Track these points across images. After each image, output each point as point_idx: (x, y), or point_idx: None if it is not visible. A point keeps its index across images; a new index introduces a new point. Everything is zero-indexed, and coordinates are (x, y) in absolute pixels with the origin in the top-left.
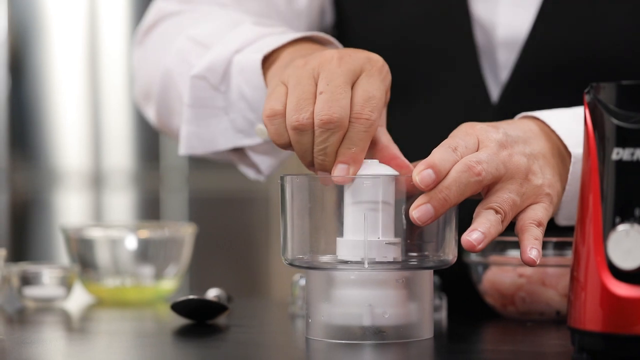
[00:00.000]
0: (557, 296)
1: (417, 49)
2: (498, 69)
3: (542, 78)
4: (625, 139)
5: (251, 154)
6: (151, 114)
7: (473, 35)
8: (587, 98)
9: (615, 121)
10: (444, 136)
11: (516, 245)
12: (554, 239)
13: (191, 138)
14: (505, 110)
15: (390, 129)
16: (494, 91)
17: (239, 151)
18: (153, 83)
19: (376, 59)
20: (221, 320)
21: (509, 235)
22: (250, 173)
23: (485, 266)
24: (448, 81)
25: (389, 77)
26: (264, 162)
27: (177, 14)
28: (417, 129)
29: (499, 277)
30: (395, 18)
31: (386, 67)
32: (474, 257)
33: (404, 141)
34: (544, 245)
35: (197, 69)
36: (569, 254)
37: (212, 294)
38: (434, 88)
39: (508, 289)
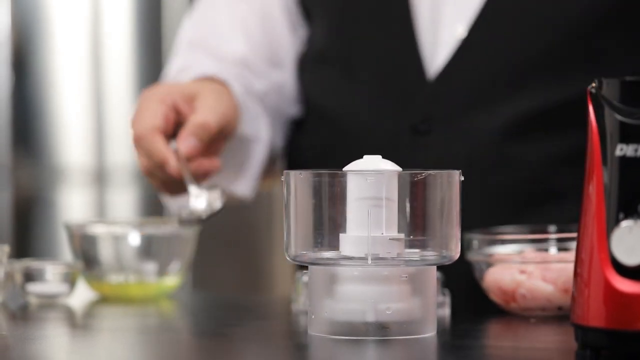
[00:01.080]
0: (557, 292)
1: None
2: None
3: (492, 51)
4: (628, 135)
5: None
6: None
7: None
8: (590, 94)
9: (619, 117)
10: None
11: (516, 242)
12: (554, 235)
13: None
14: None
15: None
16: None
17: None
18: None
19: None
20: (224, 316)
21: (508, 231)
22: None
23: (488, 264)
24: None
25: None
26: (234, 186)
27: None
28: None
29: (500, 274)
30: None
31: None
32: (475, 256)
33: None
34: (544, 241)
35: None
36: (569, 250)
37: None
38: (371, 59)
39: (508, 286)
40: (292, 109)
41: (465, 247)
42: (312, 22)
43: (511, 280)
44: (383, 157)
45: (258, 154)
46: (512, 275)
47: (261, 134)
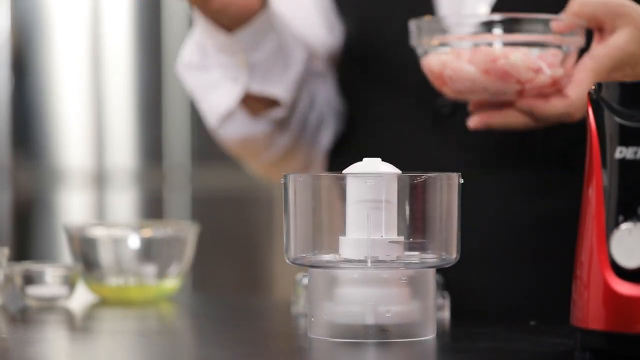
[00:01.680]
0: (478, 73)
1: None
2: None
3: None
4: (628, 137)
5: (256, 87)
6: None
7: None
8: (590, 96)
9: (619, 120)
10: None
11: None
12: (498, 17)
13: (210, 110)
14: None
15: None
16: None
17: (255, 104)
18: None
19: None
20: (224, 318)
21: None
22: (280, 112)
23: (424, 51)
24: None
25: None
26: (273, 87)
27: None
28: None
29: (430, 57)
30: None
31: None
32: (414, 41)
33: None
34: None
35: (182, 60)
36: (487, 34)
37: None
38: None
39: (436, 67)
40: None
41: (411, 33)
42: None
43: (438, 61)
44: (406, 144)
45: (298, 61)
46: (439, 57)
47: (300, 50)
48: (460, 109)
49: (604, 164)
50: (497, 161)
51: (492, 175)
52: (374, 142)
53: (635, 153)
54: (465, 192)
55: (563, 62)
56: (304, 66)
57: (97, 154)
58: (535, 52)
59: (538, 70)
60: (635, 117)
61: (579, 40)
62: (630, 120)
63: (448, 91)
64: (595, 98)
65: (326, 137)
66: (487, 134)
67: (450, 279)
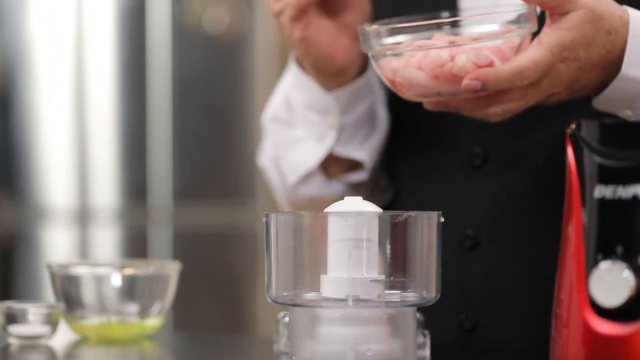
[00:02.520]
0: (427, 78)
1: None
2: None
3: None
4: (607, 176)
5: (340, 150)
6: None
7: None
8: (569, 135)
9: (598, 159)
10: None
11: (397, 31)
12: (446, 20)
13: (290, 167)
14: None
15: None
16: None
17: (334, 166)
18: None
19: None
20: (206, 357)
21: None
22: (358, 176)
23: (375, 58)
24: None
25: None
26: (357, 151)
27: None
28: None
29: (380, 65)
30: None
31: None
32: (366, 48)
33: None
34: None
35: (267, 113)
36: (434, 37)
37: None
38: None
39: (388, 75)
40: None
41: (361, 40)
42: None
43: (389, 69)
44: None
45: (384, 125)
46: (389, 64)
47: (386, 113)
48: (491, 157)
49: (583, 202)
50: (529, 210)
51: (526, 224)
52: (411, 198)
53: (614, 192)
54: (495, 239)
55: (518, 50)
56: (389, 130)
57: (81, 192)
58: (487, 45)
59: (490, 65)
60: (614, 156)
61: (531, 26)
62: (610, 159)
63: (404, 96)
64: (575, 137)
65: (387, 198)
66: (521, 184)
67: (430, 316)
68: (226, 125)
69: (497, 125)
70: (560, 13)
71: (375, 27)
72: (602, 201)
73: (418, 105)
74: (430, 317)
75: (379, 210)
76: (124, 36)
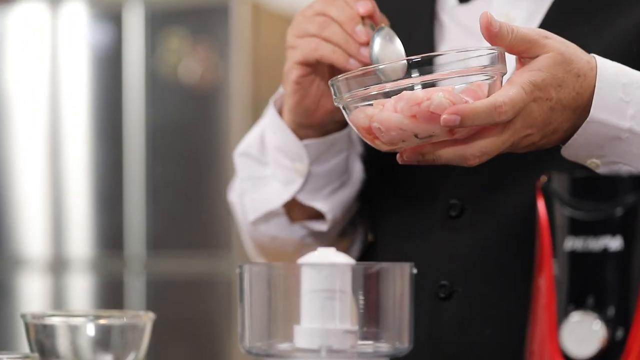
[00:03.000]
0: (405, 119)
1: None
2: None
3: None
4: (578, 228)
5: (303, 198)
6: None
7: None
8: (540, 187)
9: (569, 211)
10: None
11: (366, 80)
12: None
13: (252, 204)
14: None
15: None
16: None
17: (298, 210)
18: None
19: None
20: None
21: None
22: (319, 226)
23: (346, 110)
24: None
25: None
26: (321, 202)
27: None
28: None
29: (357, 113)
30: None
31: None
32: (338, 101)
33: None
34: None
35: (239, 148)
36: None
37: None
38: None
39: (364, 123)
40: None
41: (332, 93)
42: None
43: (364, 116)
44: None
45: (356, 182)
46: (364, 111)
47: (361, 171)
48: (468, 209)
49: (555, 254)
50: (505, 261)
51: (501, 275)
52: (389, 247)
53: (585, 244)
54: (470, 289)
55: (489, 92)
56: (360, 187)
57: (56, 242)
58: (458, 87)
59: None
60: (585, 208)
61: (502, 68)
62: (580, 211)
63: (380, 144)
64: (546, 189)
65: (357, 249)
66: (497, 236)
67: None
68: (201, 175)
69: (473, 177)
70: (529, 57)
71: (344, 77)
72: (573, 253)
73: (394, 157)
74: None
75: (352, 261)
76: (99, 85)
